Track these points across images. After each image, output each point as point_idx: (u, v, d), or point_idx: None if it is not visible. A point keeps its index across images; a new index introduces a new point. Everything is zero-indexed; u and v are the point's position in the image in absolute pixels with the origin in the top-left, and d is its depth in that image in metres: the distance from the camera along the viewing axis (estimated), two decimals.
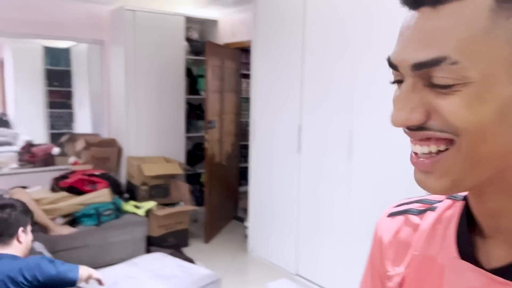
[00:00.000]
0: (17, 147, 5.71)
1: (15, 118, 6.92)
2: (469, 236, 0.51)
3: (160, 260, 2.88)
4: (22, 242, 1.98)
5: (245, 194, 5.55)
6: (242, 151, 5.60)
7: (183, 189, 4.37)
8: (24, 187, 3.89)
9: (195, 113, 5.28)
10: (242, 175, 5.88)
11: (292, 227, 3.67)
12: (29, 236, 2.06)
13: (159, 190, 4.39)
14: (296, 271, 3.63)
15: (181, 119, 4.84)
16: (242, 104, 5.30)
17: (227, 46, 4.86)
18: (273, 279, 3.45)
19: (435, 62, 0.41)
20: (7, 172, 4.76)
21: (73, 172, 4.13)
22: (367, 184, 2.93)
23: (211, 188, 4.43)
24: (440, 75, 0.41)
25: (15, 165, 5.14)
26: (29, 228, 2.05)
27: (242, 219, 5.06)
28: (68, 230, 3.54)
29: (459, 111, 0.41)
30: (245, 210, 5.18)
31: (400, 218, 0.61)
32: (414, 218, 0.59)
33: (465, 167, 0.43)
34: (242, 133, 5.30)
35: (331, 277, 3.26)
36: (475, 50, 0.40)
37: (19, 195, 3.41)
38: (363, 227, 2.91)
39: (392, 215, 0.62)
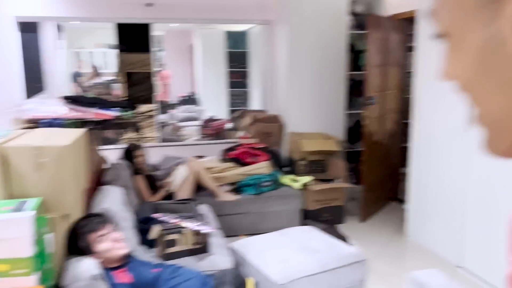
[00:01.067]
0: (201, 121, 6.51)
1: (202, 97, 7.87)
2: None
3: (309, 233, 2.96)
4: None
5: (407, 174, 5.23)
6: (406, 129, 5.25)
7: (340, 166, 4.36)
8: (201, 157, 4.42)
9: (357, 89, 5.14)
10: (405, 155, 5.53)
11: (457, 214, 3.33)
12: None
13: (317, 165, 4.47)
14: (458, 263, 3.30)
15: (341, 95, 4.79)
16: (407, 79, 4.94)
17: (393, 17, 4.57)
18: (429, 267, 3.21)
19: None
20: (190, 143, 5.49)
21: (240, 145, 4.52)
22: None
23: (370, 167, 4.31)
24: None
25: (197, 137, 5.88)
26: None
27: (403, 201, 4.80)
28: (232, 197, 3.92)
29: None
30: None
31: None
32: None
33: None
34: (406, 110, 4.96)
35: (500, 273, 2.87)
36: None
37: (194, 162, 3.91)
38: None
39: None
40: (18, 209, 1.73)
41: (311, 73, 4.67)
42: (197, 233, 2.65)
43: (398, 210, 4.63)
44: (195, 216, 2.92)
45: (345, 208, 4.33)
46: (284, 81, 4.73)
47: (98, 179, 3.25)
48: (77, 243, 1.95)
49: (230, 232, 3.48)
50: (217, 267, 2.60)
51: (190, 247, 2.64)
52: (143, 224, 2.77)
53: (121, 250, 2.01)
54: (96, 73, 7.63)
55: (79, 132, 2.22)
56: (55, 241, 1.93)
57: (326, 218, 4.19)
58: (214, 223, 3.12)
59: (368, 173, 4.30)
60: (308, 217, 4.13)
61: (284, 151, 4.76)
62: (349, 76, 4.84)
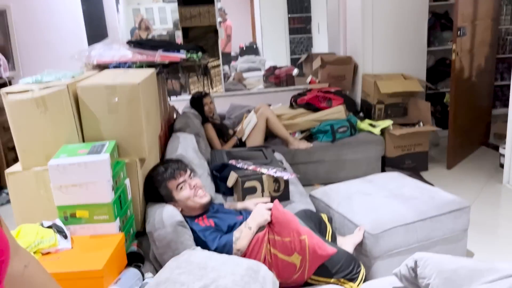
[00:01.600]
0: (263, 71, 6.24)
1: (262, 46, 7.56)
2: None
3: (398, 179, 2.67)
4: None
5: (500, 117, 4.70)
6: (498, 66, 4.67)
7: (423, 108, 3.94)
8: (268, 105, 4.19)
9: (439, 23, 4.59)
10: (497, 95, 4.97)
11: None
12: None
13: (396, 109, 4.08)
14: None
15: (422, 30, 4.27)
16: (503, 7, 4.30)
17: None
18: None
19: None
20: (255, 91, 5.26)
21: (309, 90, 4.21)
22: None
23: (457, 108, 3.86)
24: None
25: (261, 86, 5.63)
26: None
27: (494, 146, 4.32)
28: (305, 144, 3.68)
29: None
30: (499, 136, 4.40)
31: None
32: None
33: None
34: (499, 43, 4.37)
35: None
36: None
37: (264, 109, 3.69)
38: None
39: None
40: (94, 151, 1.60)
41: (388, 8, 4.18)
42: (276, 179, 2.45)
43: (490, 155, 4.17)
44: (272, 163, 2.73)
45: (429, 155, 3.95)
46: (357, 20, 4.29)
47: (169, 127, 3.13)
48: (157, 190, 1.81)
49: (304, 182, 3.25)
50: None
51: (270, 194, 2.45)
52: (219, 172, 2.62)
53: (202, 198, 1.86)
54: (150, 28, 7.50)
55: (149, 71, 2.04)
56: (133, 187, 1.80)
57: (409, 165, 3.85)
58: (292, 170, 2.91)
59: (455, 115, 3.86)
60: (389, 164, 3.81)
61: (358, 95, 4.40)
62: (430, 8, 4.30)
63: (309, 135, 3.84)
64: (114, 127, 1.75)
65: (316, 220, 2.12)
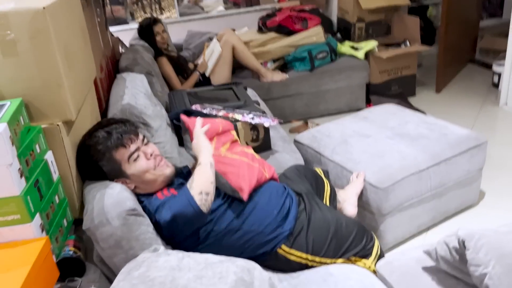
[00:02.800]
0: None
1: None
2: None
3: (397, 114, 2.23)
4: None
5: (486, 30, 4.27)
6: None
7: (411, 24, 3.44)
8: (233, 30, 3.57)
9: None
10: (483, 5, 4.50)
11: None
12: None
13: (378, 27, 3.56)
14: None
15: None
16: None
17: None
18: None
19: None
20: (215, 14, 4.56)
21: (279, 9, 3.59)
22: None
23: (448, 21, 3.37)
24: None
25: (221, 8, 4.91)
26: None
27: (483, 63, 3.94)
28: (280, 76, 3.15)
29: None
30: (486, 51, 4.00)
31: None
32: None
33: None
34: None
35: None
36: None
37: (228, 35, 3.08)
38: None
39: None
40: None
41: None
42: (254, 127, 1.96)
43: (479, 74, 3.80)
44: (246, 105, 2.21)
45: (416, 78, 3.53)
46: None
47: (112, 66, 2.51)
48: (96, 165, 1.29)
49: (281, 118, 2.78)
50: (284, 166, 1.96)
51: (247, 144, 1.97)
52: (180, 121, 2.08)
53: (162, 169, 1.34)
54: None
55: None
56: (60, 161, 1.27)
57: (395, 91, 3.43)
58: (271, 114, 2.41)
59: (446, 30, 3.39)
60: (374, 92, 3.37)
61: (334, 13, 3.82)
62: None
63: (284, 64, 3.30)
64: (16, 78, 1.17)
65: (312, 178, 1.67)
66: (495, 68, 3.41)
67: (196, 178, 1.23)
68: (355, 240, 1.37)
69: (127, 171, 1.30)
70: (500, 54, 3.54)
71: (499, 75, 3.33)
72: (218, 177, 1.32)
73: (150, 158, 1.33)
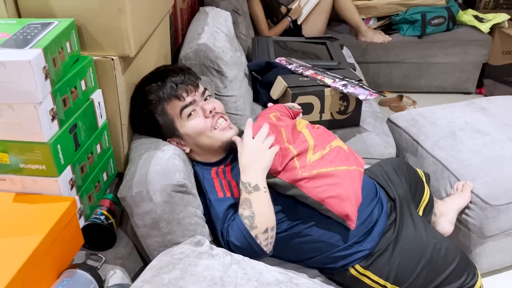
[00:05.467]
0: None
1: None
2: None
3: None
4: None
5: None
6: None
7: None
8: None
9: None
10: None
11: None
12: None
13: None
14: None
15: None
16: None
17: None
18: None
19: None
20: None
21: None
22: None
23: None
24: None
25: None
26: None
27: None
28: (382, 37, 2.71)
29: None
30: None
31: None
32: None
33: None
34: None
35: None
36: None
37: None
38: None
39: None
40: (19, 41, 0.81)
41: None
42: (343, 96, 1.62)
43: None
44: (338, 67, 1.86)
45: None
46: None
47: None
48: (152, 117, 1.05)
49: (373, 87, 2.39)
50: (372, 151, 1.63)
51: (332, 117, 1.65)
52: (260, 74, 1.80)
53: (225, 131, 1.07)
54: None
55: None
56: (109, 104, 1.05)
57: None
58: (369, 86, 2.04)
59: None
60: (490, 75, 2.83)
61: None
62: None
63: (388, 24, 2.84)
64: None
65: (413, 181, 1.32)
66: None
67: (257, 211, 0.93)
68: (453, 273, 1.05)
69: (180, 129, 1.05)
70: None
71: None
72: (317, 208, 1.01)
73: (208, 116, 1.07)
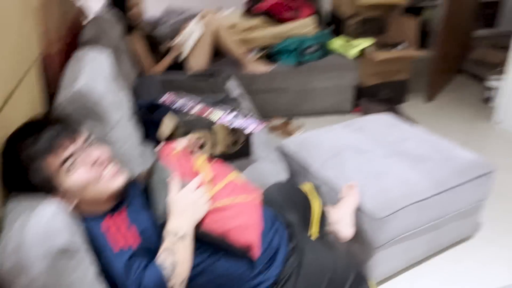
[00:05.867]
0: None
1: None
2: None
3: (395, 127, 1.98)
4: None
5: (479, 40, 4.09)
6: None
7: (408, 26, 3.20)
8: (217, 11, 3.21)
9: None
10: (480, 14, 4.30)
11: None
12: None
13: (373, 24, 3.30)
14: None
15: None
16: None
17: None
18: None
19: None
20: None
21: None
22: None
23: (448, 28, 3.15)
24: None
25: None
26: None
27: (472, 74, 3.76)
28: (264, 67, 2.85)
29: None
30: (477, 63, 3.82)
31: None
32: None
33: None
34: None
35: None
36: None
37: (210, 18, 2.74)
38: None
39: None
40: None
41: None
42: (233, 130, 1.66)
43: (468, 85, 3.61)
44: (226, 101, 1.90)
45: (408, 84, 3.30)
46: None
47: (72, 39, 2.13)
48: (24, 175, 0.95)
49: (261, 114, 2.48)
50: (265, 180, 1.67)
51: (223, 150, 1.67)
52: (148, 113, 1.76)
53: (114, 179, 1.02)
54: None
55: None
56: None
57: (384, 96, 3.19)
58: (256, 115, 2.11)
59: (445, 36, 3.16)
60: (362, 94, 3.12)
61: (326, 4, 3.54)
62: None
63: (270, 55, 2.99)
64: None
65: (300, 201, 1.38)
66: (489, 83, 3.22)
67: (180, 261, 0.93)
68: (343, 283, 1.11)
69: (61, 185, 0.96)
70: (495, 68, 3.37)
71: (492, 90, 3.16)
72: (219, 243, 1.03)
73: (94, 165, 1.00)
